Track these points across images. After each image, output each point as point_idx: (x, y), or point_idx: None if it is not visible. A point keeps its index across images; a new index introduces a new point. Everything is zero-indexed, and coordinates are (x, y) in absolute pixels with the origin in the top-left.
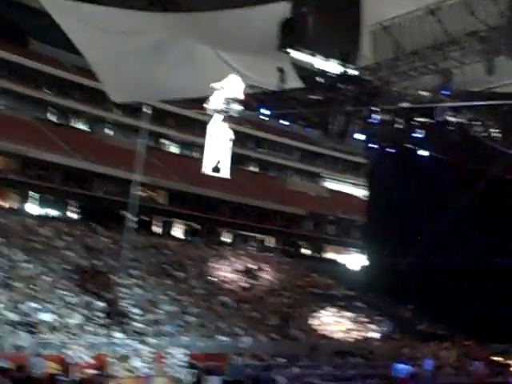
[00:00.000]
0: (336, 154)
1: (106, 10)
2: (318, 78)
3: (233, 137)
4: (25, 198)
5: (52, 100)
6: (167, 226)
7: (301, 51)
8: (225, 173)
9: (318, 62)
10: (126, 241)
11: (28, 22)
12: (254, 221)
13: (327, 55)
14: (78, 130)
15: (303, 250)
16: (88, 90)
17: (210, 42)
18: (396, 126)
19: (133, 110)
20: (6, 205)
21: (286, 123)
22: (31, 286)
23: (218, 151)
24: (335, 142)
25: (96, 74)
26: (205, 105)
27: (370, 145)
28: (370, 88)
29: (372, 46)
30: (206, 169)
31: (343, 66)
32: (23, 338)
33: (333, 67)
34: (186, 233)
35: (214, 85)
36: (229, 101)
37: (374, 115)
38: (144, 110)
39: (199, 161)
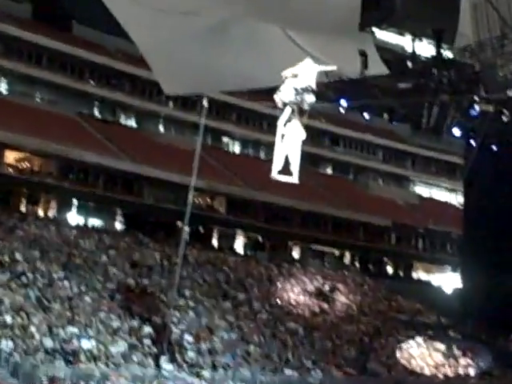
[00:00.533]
0: (428, 152)
1: None
2: (407, 63)
3: (305, 134)
4: (64, 206)
5: (96, 92)
6: (226, 239)
7: (387, 30)
8: (294, 176)
9: (408, 43)
10: (178, 255)
11: (71, 4)
12: (328, 233)
13: (418, 34)
14: (126, 127)
15: (386, 268)
16: (138, 81)
17: (279, 22)
18: (502, 118)
19: (189, 103)
20: (43, 213)
21: (369, 117)
22: (70, 308)
23: (287, 151)
24: (427, 138)
25: (147, 62)
26: (274, 96)
27: (470, 142)
28: (471, 73)
29: (473, 21)
30: (274, 172)
31: (438, 46)
32: (60, 368)
33: (425, 49)
34: (249, 247)
35: (285, 72)
36: (301, 91)
37: (475, 106)
38: (202, 103)
39: (264, 162)
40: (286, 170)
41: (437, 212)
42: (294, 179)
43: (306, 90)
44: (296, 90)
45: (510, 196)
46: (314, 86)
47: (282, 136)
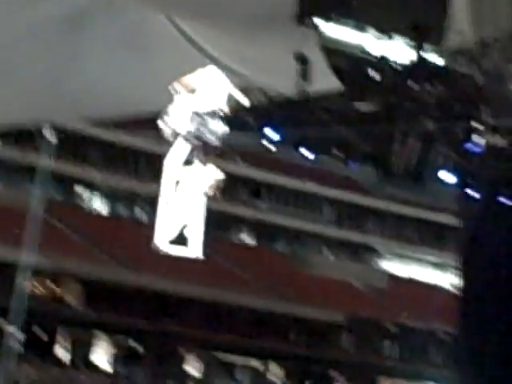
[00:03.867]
0: (403, 210)
1: None
2: (370, 72)
3: (211, 182)
4: None
5: None
6: (83, 348)
7: (339, 24)
8: (194, 248)
9: (372, 43)
10: (3, 375)
11: None
12: (244, 335)
13: (388, 30)
14: None
15: None
16: None
17: (166, 7)
18: None
19: (23, 136)
20: None
21: (311, 156)
22: None
23: (183, 209)
24: (402, 188)
25: None
26: (159, 123)
27: (468, 192)
28: (470, 88)
29: (473, 11)
30: (160, 241)
31: (418, 48)
32: None
33: (399, 51)
34: (119, 359)
35: (177, 85)
36: (204, 115)
37: (475, 138)
38: (44, 136)
39: (147, 227)
40: (181, 238)
41: (416, 300)
42: (195, 252)
43: (210, 113)
44: (195, 113)
45: None
46: (224, 108)
47: (176, 186)
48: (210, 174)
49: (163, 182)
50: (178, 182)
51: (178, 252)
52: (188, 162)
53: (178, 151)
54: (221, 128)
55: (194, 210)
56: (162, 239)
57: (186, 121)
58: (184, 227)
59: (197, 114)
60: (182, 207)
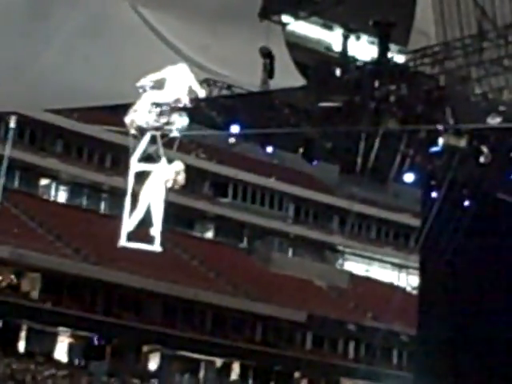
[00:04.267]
0: (365, 209)
1: None
2: (335, 70)
3: (172, 176)
4: None
5: None
6: (42, 340)
7: (305, 21)
8: (154, 242)
9: (338, 41)
10: None
11: None
12: (204, 331)
13: (354, 28)
14: None
15: None
16: None
17: None
18: (479, 159)
19: None
20: None
21: (274, 152)
22: None
23: (144, 202)
24: (365, 187)
25: None
26: (125, 118)
27: (430, 193)
28: (433, 89)
29: (438, 14)
30: (122, 235)
31: (383, 48)
32: None
33: (364, 50)
34: (78, 352)
35: (143, 81)
36: (168, 110)
37: (437, 139)
38: (9, 124)
39: (107, 218)
40: (141, 232)
41: (377, 300)
42: (155, 247)
43: (175, 108)
44: (159, 107)
45: (489, 277)
46: (187, 102)
47: (137, 178)
48: (172, 168)
49: (128, 176)
50: (141, 176)
51: (139, 246)
52: (151, 156)
53: (143, 145)
54: (183, 122)
55: (155, 204)
56: (125, 233)
57: (150, 115)
58: (145, 221)
59: (161, 108)
60: (144, 200)
